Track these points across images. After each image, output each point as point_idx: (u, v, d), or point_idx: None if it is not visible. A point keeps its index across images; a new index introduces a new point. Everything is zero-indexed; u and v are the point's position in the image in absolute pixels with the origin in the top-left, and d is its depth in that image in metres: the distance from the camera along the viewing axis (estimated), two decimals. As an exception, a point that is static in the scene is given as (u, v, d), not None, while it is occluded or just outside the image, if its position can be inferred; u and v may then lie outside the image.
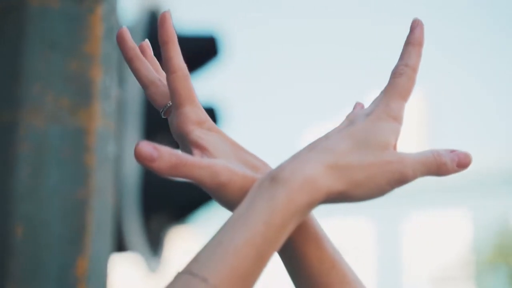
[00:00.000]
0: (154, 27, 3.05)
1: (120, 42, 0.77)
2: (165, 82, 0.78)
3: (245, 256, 0.63)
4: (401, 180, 0.67)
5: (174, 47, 0.73)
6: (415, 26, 0.71)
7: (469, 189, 16.20)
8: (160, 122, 3.11)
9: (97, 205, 1.14)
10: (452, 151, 0.67)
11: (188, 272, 0.63)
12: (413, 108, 18.16)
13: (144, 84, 0.77)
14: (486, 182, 16.12)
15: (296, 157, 0.67)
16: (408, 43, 0.71)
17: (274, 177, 0.66)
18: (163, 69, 0.76)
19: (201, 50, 3.06)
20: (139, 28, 2.92)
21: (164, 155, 0.65)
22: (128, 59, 0.77)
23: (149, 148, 0.64)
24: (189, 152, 0.73)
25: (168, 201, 3.18)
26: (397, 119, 0.69)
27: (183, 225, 3.44)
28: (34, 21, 1.15)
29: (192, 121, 0.73)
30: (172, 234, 3.36)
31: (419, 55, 0.71)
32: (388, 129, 0.68)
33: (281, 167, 0.66)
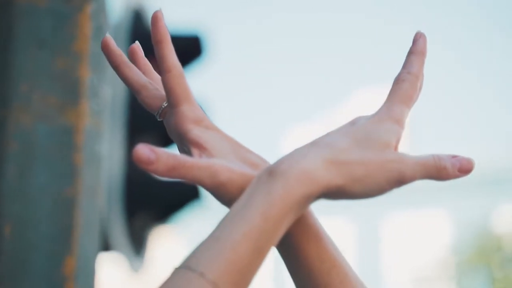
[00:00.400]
0: (138, 26, 3.04)
1: (105, 50, 0.77)
2: (157, 84, 0.78)
3: (242, 250, 0.63)
4: (399, 179, 0.66)
5: (168, 46, 0.73)
6: (418, 38, 0.73)
7: (449, 190, 16.29)
8: (144, 121, 3.10)
9: (85, 204, 1.14)
10: (454, 156, 0.67)
11: (186, 267, 0.63)
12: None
13: (135, 89, 0.77)
14: (466, 183, 16.22)
15: (294, 152, 0.67)
16: (411, 52, 0.72)
17: (271, 171, 0.66)
18: (155, 69, 0.76)
19: (185, 50, 3.06)
20: (124, 27, 2.91)
21: (162, 157, 0.65)
22: (115, 66, 0.77)
23: (146, 151, 0.64)
24: (187, 151, 0.73)
25: (152, 200, 3.17)
26: (399, 122, 0.69)
27: (166, 225, 3.43)
28: (22, 19, 1.14)
29: (190, 119, 0.73)
30: (155, 234, 3.35)
31: (421, 64, 0.71)
32: (390, 130, 0.68)
33: (279, 161, 0.66)
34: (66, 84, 1.15)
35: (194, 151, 0.71)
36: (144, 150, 0.64)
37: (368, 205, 15.62)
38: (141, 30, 3.06)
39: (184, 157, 0.67)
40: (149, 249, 3.26)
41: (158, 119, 0.77)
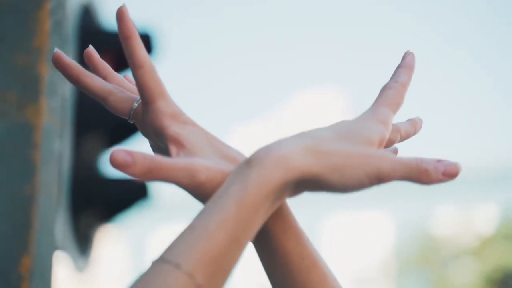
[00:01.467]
0: (86, 21, 3.00)
1: (59, 65, 0.75)
2: (121, 86, 0.77)
3: (218, 239, 0.62)
4: (378, 176, 0.66)
5: (137, 41, 0.72)
6: (407, 55, 0.75)
7: (390, 192, 16.50)
8: (91, 118, 3.07)
9: (42, 202, 1.12)
10: (439, 160, 0.67)
11: (162, 259, 0.63)
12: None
13: (102, 97, 0.75)
14: (407, 185, 16.42)
15: (274, 142, 0.67)
16: (399, 66, 0.75)
17: (249, 161, 0.65)
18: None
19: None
20: (72, 23, 2.87)
21: (138, 160, 0.64)
22: (74, 79, 0.75)
23: (122, 154, 0.63)
24: (165, 148, 0.72)
25: (98, 199, 3.14)
26: (384, 122, 0.70)
27: (113, 224, 3.40)
28: (-19, 14, 1.12)
29: (167, 115, 0.72)
30: (101, 233, 3.32)
31: (409, 76, 0.74)
32: (373, 128, 0.69)
33: (257, 151, 0.66)
34: (25, 81, 1.13)
35: (172, 148, 0.71)
36: (120, 153, 0.63)
37: (309, 206, 15.71)
38: (90, 27, 3.02)
39: (161, 159, 0.66)
40: (94, 249, 3.22)
41: (131, 121, 0.76)
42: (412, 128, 0.77)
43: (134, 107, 0.74)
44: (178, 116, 0.72)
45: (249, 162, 0.65)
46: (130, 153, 0.64)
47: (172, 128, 0.71)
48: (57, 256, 1.19)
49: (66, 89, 2.72)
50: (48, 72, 1.16)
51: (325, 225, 17.36)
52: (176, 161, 0.67)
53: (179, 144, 0.71)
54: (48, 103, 1.15)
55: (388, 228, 17.01)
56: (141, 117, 0.74)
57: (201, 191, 0.68)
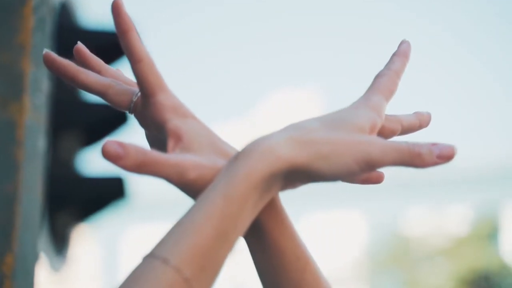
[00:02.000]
0: (64, 19, 2.98)
1: (52, 65, 0.74)
2: (117, 79, 0.76)
3: (205, 233, 0.62)
4: (368, 161, 0.64)
5: (135, 35, 0.71)
6: (402, 44, 0.75)
7: (363, 192, 16.58)
8: (68, 115, 3.05)
9: (25, 200, 1.11)
10: (434, 144, 0.65)
11: (150, 255, 0.62)
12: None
13: (101, 92, 0.75)
14: (382, 185, 16.51)
15: (262, 136, 0.67)
16: (394, 54, 0.74)
17: (237, 155, 0.65)
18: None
19: (112, 45, 3.02)
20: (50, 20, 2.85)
21: (130, 153, 0.64)
22: (70, 77, 0.74)
23: (115, 145, 0.63)
24: (163, 140, 0.72)
25: (74, 198, 3.12)
26: (375, 109, 0.69)
27: (88, 223, 3.38)
28: (-37, 10, 1.11)
29: (168, 108, 0.72)
30: (77, 232, 3.30)
31: (403, 64, 0.73)
32: (364, 115, 0.68)
33: (245, 145, 0.66)
34: (9, 78, 1.12)
35: (170, 142, 0.71)
36: (112, 145, 0.63)
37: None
38: (68, 24, 3.00)
39: (153, 153, 0.66)
40: (70, 248, 3.20)
41: (131, 114, 0.75)
42: (417, 121, 0.75)
43: (134, 100, 0.74)
44: (179, 109, 0.72)
45: (236, 156, 0.65)
46: (122, 145, 0.63)
47: (173, 121, 0.71)
48: (40, 255, 1.18)
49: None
50: (31, 69, 1.15)
51: (298, 225, 17.39)
52: (167, 157, 0.67)
53: (178, 138, 0.70)
54: (31, 100, 1.14)
55: (361, 228, 17.08)
56: (140, 109, 0.74)
57: (191, 188, 0.68)
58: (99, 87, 0.74)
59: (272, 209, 0.71)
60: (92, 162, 3.41)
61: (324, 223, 17.24)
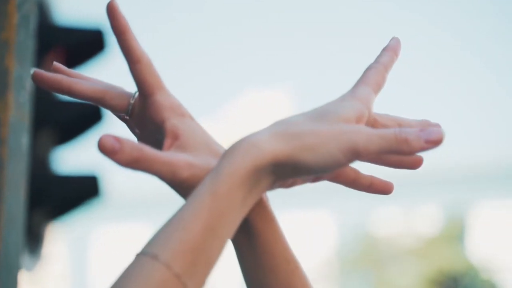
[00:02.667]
0: (41, 19, 2.96)
1: (43, 83, 0.75)
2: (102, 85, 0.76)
3: (194, 229, 0.62)
4: (353, 149, 0.64)
5: (132, 36, 0.72)
6: (392, 39, 0.75)
7: (334, 191, 16.64)
8: (45, 113, 3.02)
9: (9, 199, 1.11)
10: (422, 129, 0.65)
11: (142, 252, 0.63)
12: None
13: (97, 98, 0.75)
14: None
15: (248, 134, 0.67)
16: (383, 49, 0.74)
17: (224, 153, 0.66)
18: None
19: (88, 43, 3.01)
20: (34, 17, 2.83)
21: (126, 148, 0.64)
22: (65, 91, 0.75)
23: (111, 139, 0.64)
24: (160, 141, 0.72)
25: (49, 196, 3.10)
26: (362, 100, 0.69)
27: (63, 222, 3.36)
28: None
29: (167, 108, 0.73)
30: (51, 231, 3.27)
31: (391, 58, 0.73)
32: (349, 106, 0.68)
33: (232, 143, 0.67)
34: (-7, 75, 1.11)
35: (167, 140, 0.71)
36: (109, 138, 0.63)
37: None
38: (43, 22, 2.98)
39: (148, 150, 0.66)
40: (44, 247, 3.18)
41: (127, 117, 0.76)
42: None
43: (132, 102, 0.75)
44: (177, 108, 0.73)
45: (223, 154, 0.66)
46: (119, 140, 0.64)
47: (171, 121, 0.72)
48: (24, 253, 1.17)
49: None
50: (15, 66, 1.14)
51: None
52: (162, 154, 0.68)
53: (175, 137, 0.71)
54: (15, 97, 1.13)
55: (330, 228, 17.16)
56: (138, 111, 0.75)
57: (183, 187, 0.69)
58: (96, 94, 0.75)
59: (262, 211, 0.72)
60: (67, 160, 3.39)
61: (294, 223, 17.28)
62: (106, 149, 0.63)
